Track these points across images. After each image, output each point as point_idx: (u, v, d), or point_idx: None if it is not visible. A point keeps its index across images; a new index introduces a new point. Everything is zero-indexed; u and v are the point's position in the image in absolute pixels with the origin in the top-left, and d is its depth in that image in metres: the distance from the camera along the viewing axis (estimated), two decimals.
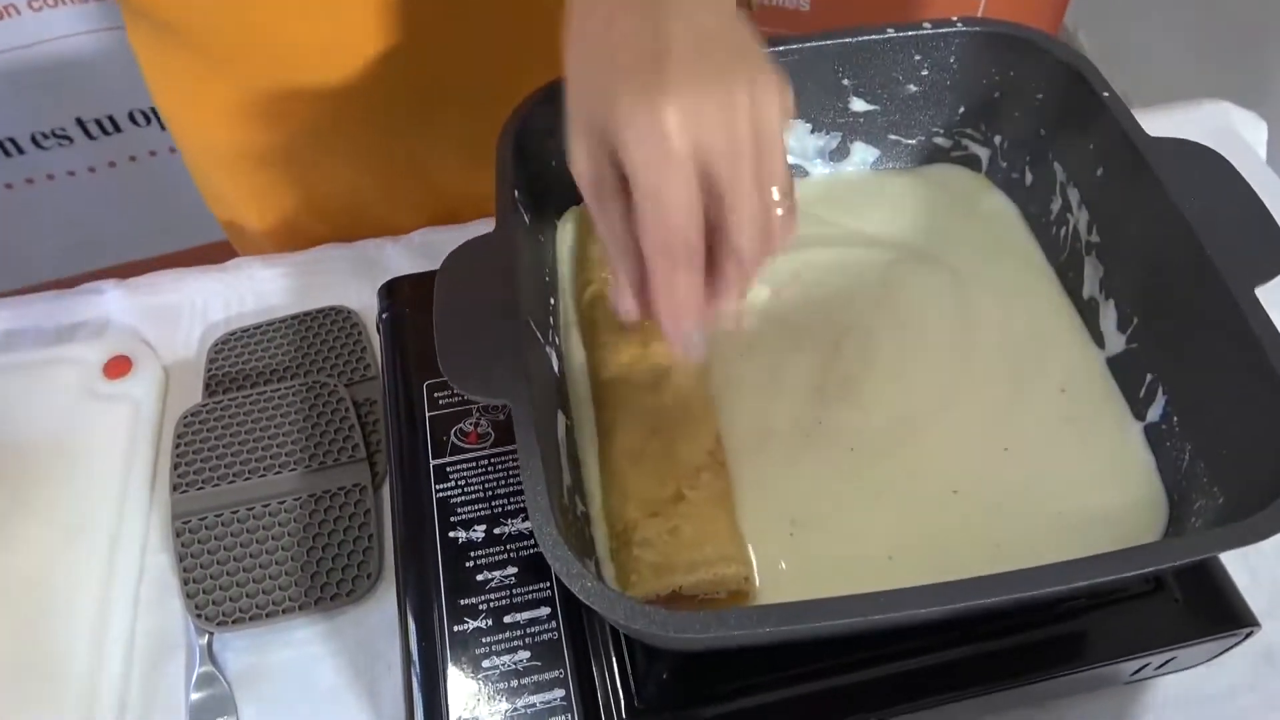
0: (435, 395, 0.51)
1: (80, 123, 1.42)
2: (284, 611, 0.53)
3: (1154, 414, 0.42)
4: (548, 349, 0.44)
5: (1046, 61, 0.47)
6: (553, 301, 0.48)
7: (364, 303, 0.67)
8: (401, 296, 0.56)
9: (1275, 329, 0.37)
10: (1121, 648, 0.41)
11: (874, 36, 0.48)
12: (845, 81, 0.50)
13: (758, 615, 0.32)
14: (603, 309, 0.47)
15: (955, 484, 0.42)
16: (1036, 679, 0.41)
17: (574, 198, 0.53)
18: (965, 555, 0.40)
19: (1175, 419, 0.41)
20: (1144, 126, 0.74)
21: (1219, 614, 0.42)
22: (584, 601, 0.32)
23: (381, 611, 0.54)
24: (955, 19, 0.48)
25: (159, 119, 1.44)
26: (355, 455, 0.58)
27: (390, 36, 0.61)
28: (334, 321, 0.65)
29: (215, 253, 0.76)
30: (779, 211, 0.34)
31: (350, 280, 0.69)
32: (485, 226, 0.70)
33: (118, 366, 0.63)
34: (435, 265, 0.66)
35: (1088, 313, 0.47)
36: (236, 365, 0.63)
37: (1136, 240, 0.44)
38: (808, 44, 0.48)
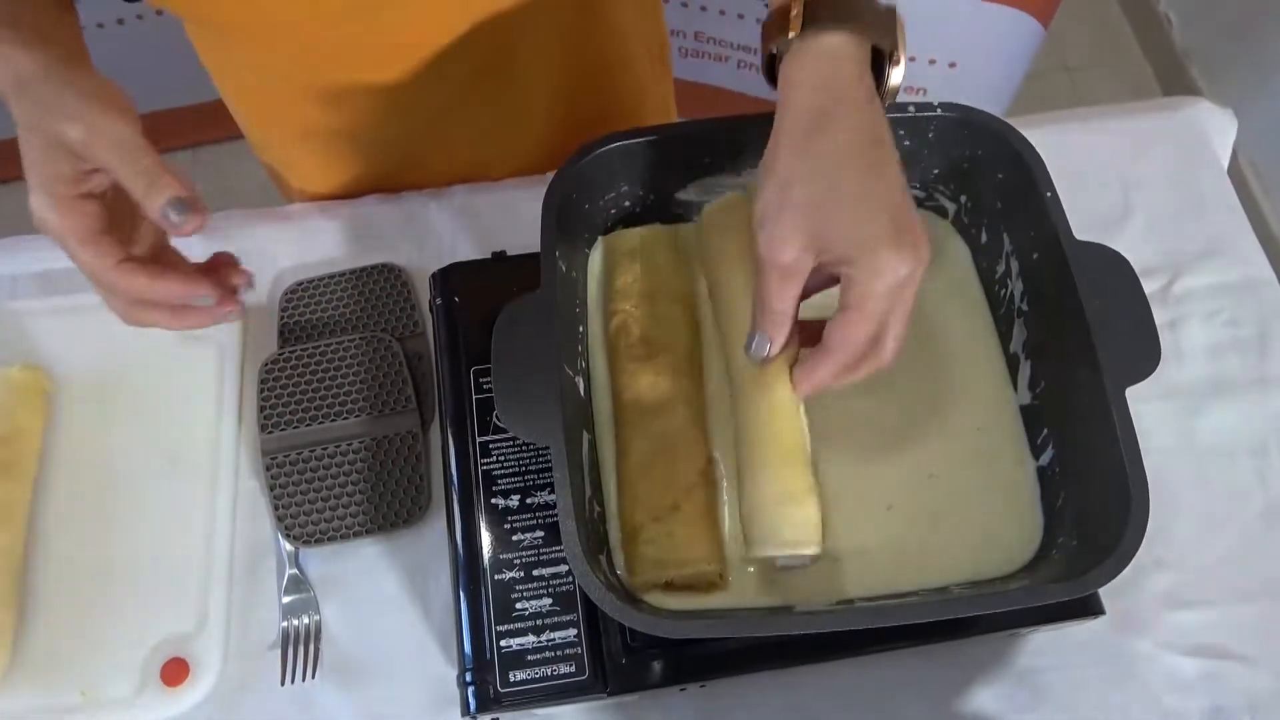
0: (480, 381, 0.63)
1: None
2: (354, 534, 0.67)
3: (1044, 459, 0.55)
4: (577, 378, 0.56)
5: (1007, 152, 0.55)
6: (582, 329, 0.59)
7: (410, 259, 0.77)
8: (452, 284, 0.66)
9: (1133, 432, 0.48)
10: (1000, 625, 0.55)
11: None
12: None
13: (703, 625, 0.47)
14: (625, 339, 0.57)
15: (890, 500, 0.55)
16: (932, 641, 0.56)
17: (603, 229, 0.62)
18: (893, 561, 0.53)
19: (1059, 469, 0.53)
20: (1113, 124, 0.82)
21: (1080, 607, 0.55)
22: (606, 613, 0.46)
23: (430, 534, 0.68)
24: (936, 104, 0.56)
25: None
26: (408, 405, 0.70)
27: (442, 34, 0.68)
28: (385, 278, 0.75)
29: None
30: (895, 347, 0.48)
31: (398, 236, 0.78)
32: (515, 186, 0.79)
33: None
34: (472, 224, 0.77)
35: (1010, 363, 0.58)
36: (304, 315, 0.74)
37: (1051, 322, 0.54)
38: None
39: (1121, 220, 0.76)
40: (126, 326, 0.53)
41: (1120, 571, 0.45)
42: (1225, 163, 0.82)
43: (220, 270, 0.54)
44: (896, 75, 0.50)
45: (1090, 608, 0.56)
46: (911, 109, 0.56)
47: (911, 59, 1.45)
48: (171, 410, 0.71)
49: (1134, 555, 0.45)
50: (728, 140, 0.58)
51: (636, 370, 0.56)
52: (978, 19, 1.36)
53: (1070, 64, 1.80)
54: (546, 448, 0.59)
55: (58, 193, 0.48)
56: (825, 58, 0.47)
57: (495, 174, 0.81)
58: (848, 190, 0.45)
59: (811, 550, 0.51)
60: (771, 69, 0.50)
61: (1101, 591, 0.56)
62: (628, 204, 0.62)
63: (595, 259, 0.61)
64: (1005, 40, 1.39)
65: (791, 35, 0.47)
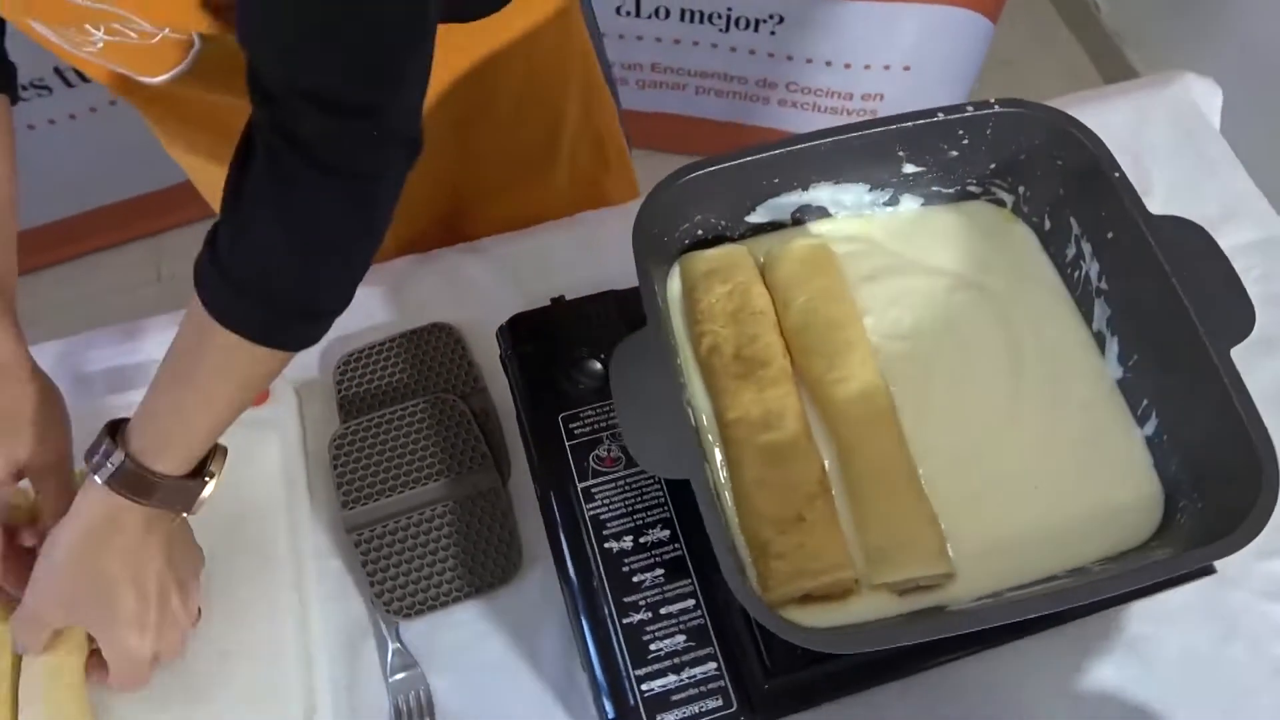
0: (570, 426, 0.62)
1: (59, 72, 1.41)
2: (452, 599, 0.65)
3: (1149, 429, 0.56)
4: (687, 407, 0.56)
5: (1070, 140, 0.57)
6: (678, 361, 0.59)
7: (457, 316, 0.76)
8: (521, 335, 0.66)
9: (1244, 385, 0.50)
10: (1128, 597, 0.56)
11: (927, 121, 0.58)
12: (900, 153, 0.60)
13: (877, 635, 0.47)
14: (719, 358, 0.58)
15: (1020, 489, 0.56)
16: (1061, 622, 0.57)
17: (677, 255, 0.63)
18: (1030, 548, 0.54)
19: (1165, 436, 0.55)
20: (1113, 103, 0.85)
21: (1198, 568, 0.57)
22: (774, 632, 0.45)
23: (527, 590, 0.67)
24: (993, 101, 0.58)
25: None
26: (485, 462, 0.69)
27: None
28: (438, 338, 0.75)
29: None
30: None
31: (438, 295, 0.78)
32: (545, 231, 0.79)
33: (260, 394, 0.72)
34: (510, 274, 0.77)
35: (1097, 340, 0.59)
36: (363, 385, 0.73)
37: (1138, 296, 0.56)
38: (873, 130, 0.57)
39: (1144, 195, 0.79)
40: None
41: (1266, 520, 0.46)
42: (1218, 128, 0.86)
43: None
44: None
45: (1206, 568, 0.58)
46: (969, 109, 0.58)
47: (866, 66, 1.50)
48: (246, 503, 0.69)
49: (1275, 504, 0.47)
50: (791, 162, 0.59)
51: (737, 388, 0.56)
52: (929, 21, 1.41)
53: (1008, 57, 1.86)
54: (653, 483, 0.60)
55: None
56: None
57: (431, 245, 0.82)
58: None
59: (943, 569, 0.52)
60: None
61: None
62: (700, 231, 0.62)
63: (673, 284, 0.62)
64: (957, 40, 1.44)
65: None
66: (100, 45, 0.55)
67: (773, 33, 1.48)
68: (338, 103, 0.46)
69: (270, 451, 0.71)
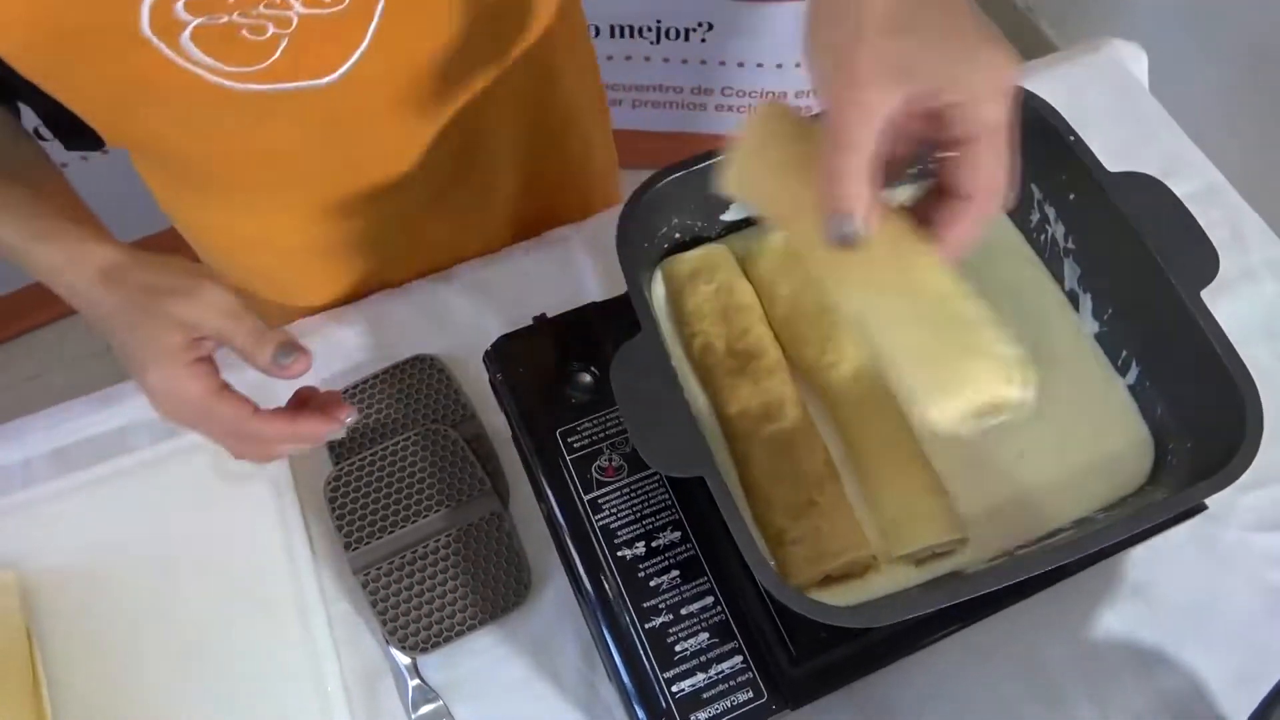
0: (569, 441, 0.62)
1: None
2: (468, 629, 0.65)
3: (1131, 379, 0.58)
4: (690, 409, 0.56)
5: (1024, 112, 0.59)
6: (673, 362, 0.59)
7: (438, 346, 0.76)
8: (507, 357, 0.65)
9: (1218, 324, 0.52)
10: (1128, 542, 0.58)
11: None
12: None
13: (901, 606, 0.48)
14: (714, 356, 0.58)
15: (1018, 447, 0.57)
16: (1070, 574, 0.58)
17: (658, 260, 0.63)
18: (1036, 504, 0.55)
19: (1148, 383, 0.57)
20: (1048, 75, 0.88)
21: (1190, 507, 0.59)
22: (800, 613, 0.46)
23: (541, 610, 0.67)
24: None
25: None
26: (483, 488, 0.69)
27: (379, 149, 0.69)
28: (421, 370, 0.74)
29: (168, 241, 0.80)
30: None
31: (416, 327, 0.77)
32: (521, 255, 0.79)
33: None
34: (486, 298, 0.77)
35: (1071, 300, 0.61)
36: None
37: (1105, 251, 0.58)
38: None
39: None
40: (146, 492, 0.61)
41: (1256, 451, 0.48)
42: (1147, 89, 0.90)
43: (317, 402, 0.57)
44: None
45: (1199, 505, 0.60)
46: None
47: (796, 65, 1.53)
48: (238, 554, 0.68)
49: (1261, 436, 0.49)
50: None
51: (734, 384, 0.57)
52: None
53: None
54: (659, 487, 0.61)
55: (182, 360, 0.51)
56: None
57: (469, 255, 0.81)
58: (929, 18, 0.40)
59: (957, 535, 0.54)
60: None
61: None
62: (678, 235, 0.63)
63: (657, 289, 0.62)
64: None
65: None
66: (296, 23, 0.53)
67: (703, 40, 1.51)
68: None
69: (264, 503, 0.70)
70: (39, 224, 0.53)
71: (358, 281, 0.81)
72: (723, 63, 1.56)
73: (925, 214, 0.44)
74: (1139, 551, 0.67)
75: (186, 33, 0.50)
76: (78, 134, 0.57)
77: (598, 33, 1.50)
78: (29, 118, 0.60)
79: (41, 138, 0.63)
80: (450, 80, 0.67)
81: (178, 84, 0.53)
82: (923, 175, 0.66)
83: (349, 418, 0.56)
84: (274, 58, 0.54)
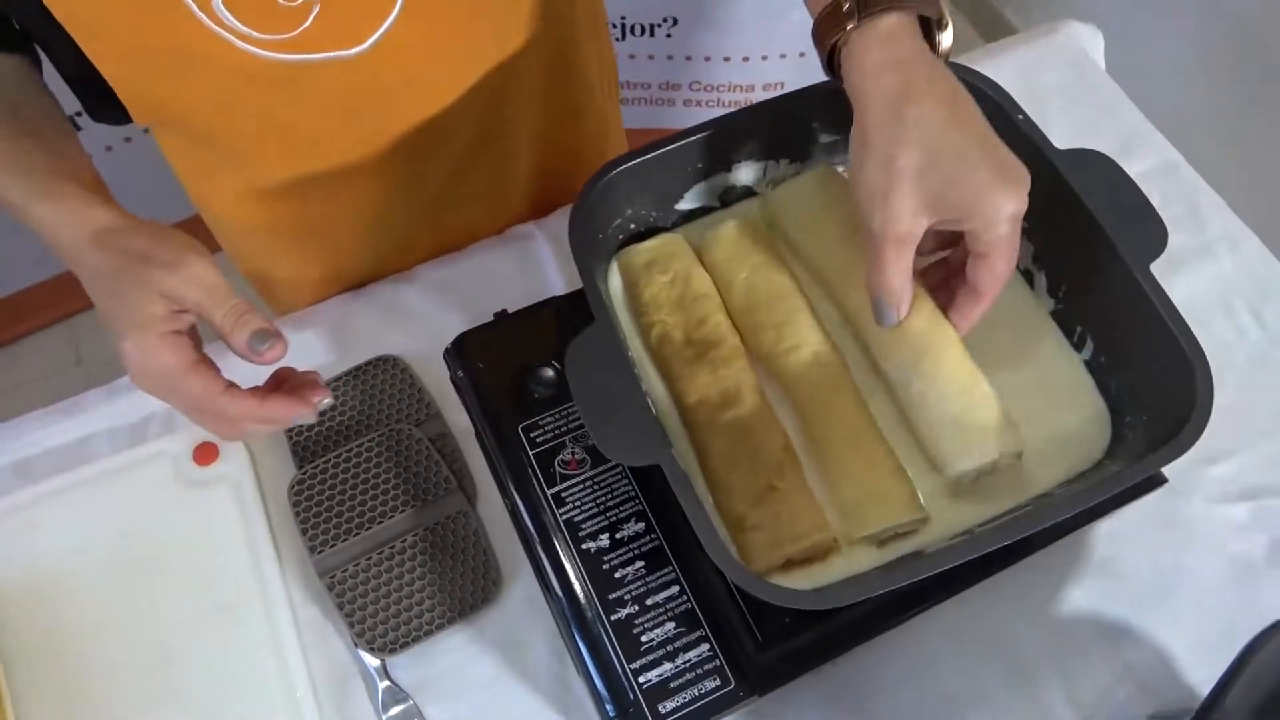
0: (531, 435, 0.62)
1: None
2: (436, 628, 0.65)
3: (1086, 354, 0.58)
4: (645, 396, 0.56)
5: (972, 92, 0.59)
6: (630, 354, 0.59)
7: (402, 347, 0.75)
8: (469, 353, 0.65)
9: (1168, 298, 0.52)
10: (1091, 516, 0.58)
11: (833, 88, 0.59)
12: (814, 124, 0.62)
13: (862, 586, 0.48)
14: (671, 346, 0.58)
15: None
16: (1033, 551, 0.58)
17: (614, 251, 0.63)
18: (997, 482, 0.55)
19: (1103, 358, 0.57)
20: (1006, 57, 0.88)
21: (1147, 480, 0.59)
22: (760, 598, 0.46)
23: (511, 607, 0.66)
24: None
25: None
26: (449, 486, 0.69)
27: (442, 104, 0.68)
28: (385, 371, 0.74)
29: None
30: None
31: (379, 328, 0.77)
32: (480, 250, 0.79)
33: (206, 453, 0.70)
34: (448, 296, 0.77)
35: (1026, 278, 0.62)
36: (315, 428, 0.72)
37: (1057, 228, 0.58)
38: (784, 104, 0.59)
39: None
40: (110, 501, 0.60)
41: (1207, 421, 0.49)
42: (1104, 69, 0.90)
43: (294, 383, 0.57)
44: (946, 39, 0.53)
45: (1157, 478, 0.60)
46: None
47: (763, 57, 1.53)
48: (203, 561, 0.67)
49: (1212, 402, 0.49)
50: (716, 143, 0.60)
51: (692, 372, 0.57)
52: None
53: None
54: (622, 479, 0.61)
55: (158, 330, 0.50)
56: (887, 38, 0.51)
57: (481, 236, 0.81)
58: (950, 149, 0.49)
59: (917, 515, 0.54)
60: (831, 62, 0.53)
61: None
62: (633, 225, 0.63)
63: (614, 280, 0.62)
64: None
65: (850, 27, 0.51)
66: None
67: (669, 35, 1.51)
68: None
69: (227, 510, 0.69)
70: (44, 181, 0.53)
71: (375, 262, 0.80)
72: (689, 58, 1.56)
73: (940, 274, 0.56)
74: (1104, 526, 0.67)
75: None
76: (104, 103, 0.58)
77: None
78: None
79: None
80: (475, 52, 0.67)
81: (208, 50, 0.54)
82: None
83: (323, 401, 0.55)
84: (305, 25, 0.55)
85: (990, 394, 0.54)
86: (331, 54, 0.58)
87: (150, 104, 0.59)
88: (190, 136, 0.67)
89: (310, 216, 0.75)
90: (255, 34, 0.54)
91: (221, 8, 0.52)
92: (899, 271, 0.51)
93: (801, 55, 1.53)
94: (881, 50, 0.50)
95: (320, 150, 0.68)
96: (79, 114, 0.66)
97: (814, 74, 0.57)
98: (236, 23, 0.53)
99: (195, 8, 0.52)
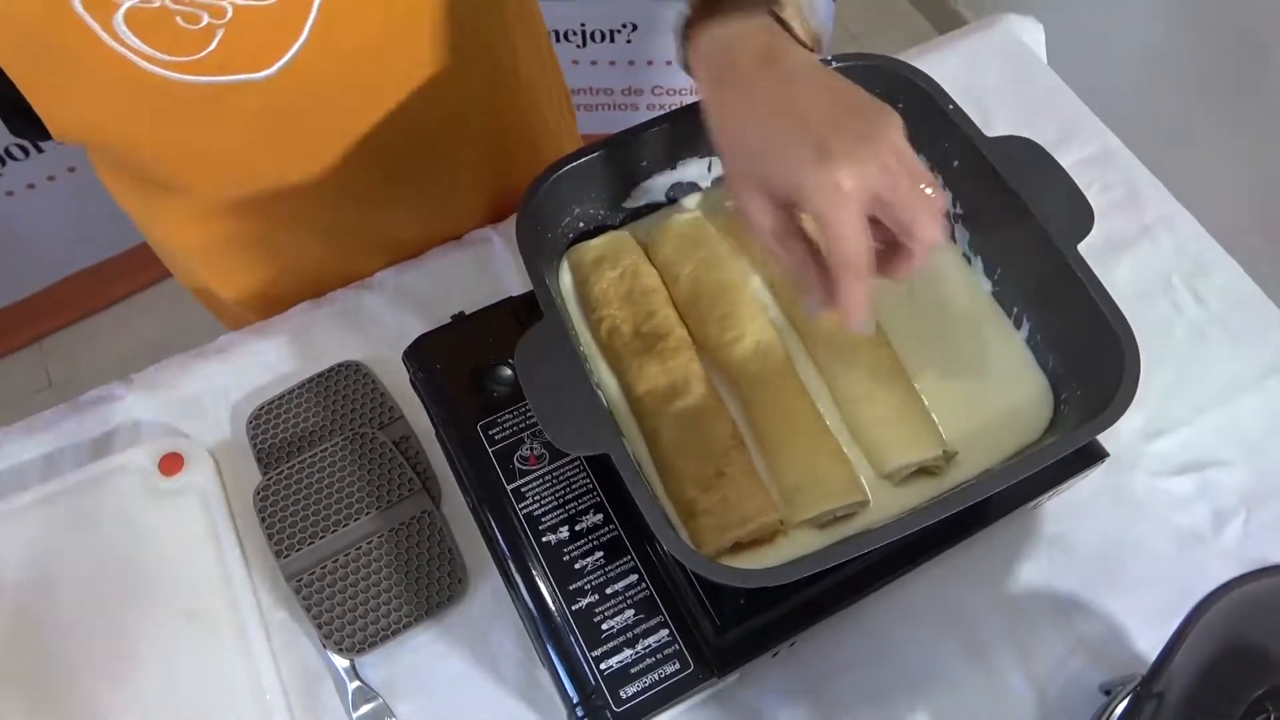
0: (490, 433, 0.64)
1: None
2: (404, 627, 0.66)
3: (1024, 334, 0.60)
4: (596, 388, 0.58)
5: (901, 82, 0.62)
6: (581, 348, 0.61)
7: (364, 353, 0.77)
8: (426, 355, 0.66)
9: (1095, 275, 0.54)
10: (1035, 491, 0.60)
11: None
12: None
13: (809, 562, 0.49)
14: (619, 339, 0.60)
15: (934, 399, 0.59)
16: (981, 528, 0.60)
17: (564, 249, 0.65)
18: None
19: (1039, 336, 0.59)
20: (948, 51, 0.90)
21: (1087, 455, 0.61)
22: (712, 580, 0.47)
23: (477, 604, 0.68)
24: (830, 58, 0.62)
25: None
26: (413, 488, 0.70)
27: (357, 127, 0.69)
28: (347, 376, 0.75)
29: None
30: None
31: (340, 334, 0.78)
32: (439, 255, 0.80)
33: (171, 463, 0.71)
34: (408, 301, 0.78)
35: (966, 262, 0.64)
36: (278, 435, 0.73)
37: (990, 213, 0.60)
38: None
39: (986, 129, 0.84)
40: (78, 514, 0.58)
41: (1135, 391, 0.51)
42: (1044, 60, 0.93)
43: None
44: (799, 27, 0.53)
45: (1097, 453, 0.62)
46: None
47: None
48: (171, 570, 0.68)
49: (1139, 374, 0.51)
50: (658, 142, 0.62)
51: (641, 364, 0.59)
52: None
53: (854, 31, 1.95)
54: (580, 472, 0.62)
55: None
56: (724, 40, 0.51)
57: (440, 242, 0.82)
58: (757, 128, 0.48)
59: (857, 498, 0.55)
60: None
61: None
62: (581, 224, 0.64)
63: (565, 277, 0.64)
64: None
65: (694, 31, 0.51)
66: (230, 14, 0.53)
67: (629, 41, 1.53)
68: None
69: (195, 518, 0.70)
70: None
71: (324, 274, 0.81)
72: (650, 62, 1.58)
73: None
74: (1053, 503, 0.69)
75: (120, 14, 0.51)
76: (23, 117, 0.57)
77: None
78: None
79: None
80: (393, 74, 0.67)
81: (112, 68, 0.53)
82: None
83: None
84: (210, 49, 0.55)
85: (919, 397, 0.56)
86: (240, 76, 0.57)
87: (65, 120, 0.58)
88: (119, 161, 0.68)
89: (246, 235, 0.75)
90: (159, 55, 0.53)
91: (122, 26, 0.52)
92: (786, 251, 0.50)
93: None
94: (715, 51, 0.51)
95: (247, 172, 0.69)
96: None
97: None
98: (139, 43, 0.52)
99: (95, 25, 0.51)
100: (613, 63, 1.58)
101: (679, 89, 1.62)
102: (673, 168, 0.64)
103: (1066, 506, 0.69)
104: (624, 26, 1.51)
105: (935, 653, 0.66)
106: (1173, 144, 1.24)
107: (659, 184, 0.65)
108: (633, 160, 0.62)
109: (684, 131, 0.62)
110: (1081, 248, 0.56)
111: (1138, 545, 0.69)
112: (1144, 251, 0.80)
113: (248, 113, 0.61)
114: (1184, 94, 1.46)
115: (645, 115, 1.67)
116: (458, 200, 0.82)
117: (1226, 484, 0.70)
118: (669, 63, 1.57)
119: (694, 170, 0.65)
